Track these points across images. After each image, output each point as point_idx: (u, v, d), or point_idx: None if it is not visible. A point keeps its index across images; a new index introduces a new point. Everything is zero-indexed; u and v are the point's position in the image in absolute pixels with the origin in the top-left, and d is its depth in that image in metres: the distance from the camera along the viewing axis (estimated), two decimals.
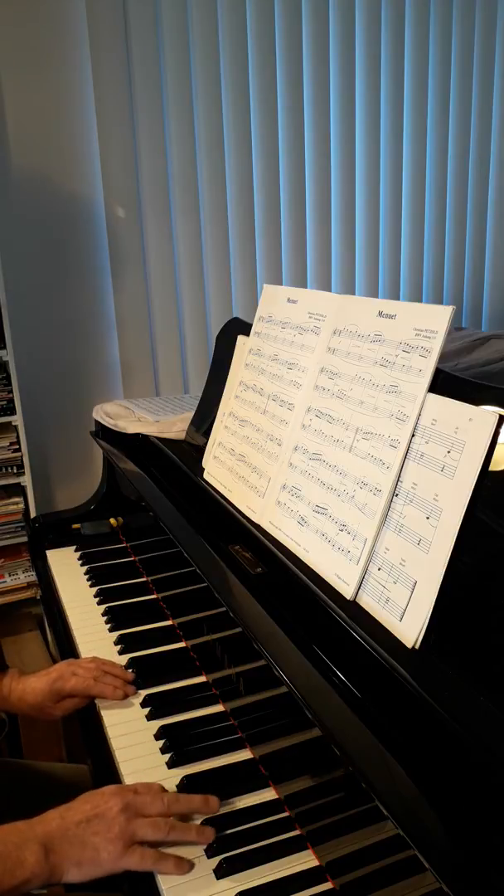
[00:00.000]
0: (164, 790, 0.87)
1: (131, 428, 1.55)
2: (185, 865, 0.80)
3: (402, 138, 2.82)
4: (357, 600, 0.86)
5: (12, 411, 2.20)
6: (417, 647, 0.76)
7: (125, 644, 1.22)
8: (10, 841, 0.77)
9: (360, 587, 0.86)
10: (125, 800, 0.82)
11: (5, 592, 2.28)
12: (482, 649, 0.78)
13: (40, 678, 1.12)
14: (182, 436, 1.46)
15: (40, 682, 1.12)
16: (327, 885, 0.79)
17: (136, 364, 2.55)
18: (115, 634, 1.25)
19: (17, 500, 2.26)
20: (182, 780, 0.92)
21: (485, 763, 0.63)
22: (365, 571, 0.86)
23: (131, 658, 1.17)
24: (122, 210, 2.41)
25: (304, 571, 0.93)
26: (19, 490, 2.27)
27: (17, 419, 2.21)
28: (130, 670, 1.14)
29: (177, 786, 0.92)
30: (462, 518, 0.75)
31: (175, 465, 1.36)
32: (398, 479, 0.85)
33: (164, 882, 0.80)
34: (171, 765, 0.96)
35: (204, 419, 1.39)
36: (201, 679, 1.13)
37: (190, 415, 1.47)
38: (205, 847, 0.83)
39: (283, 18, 2.49)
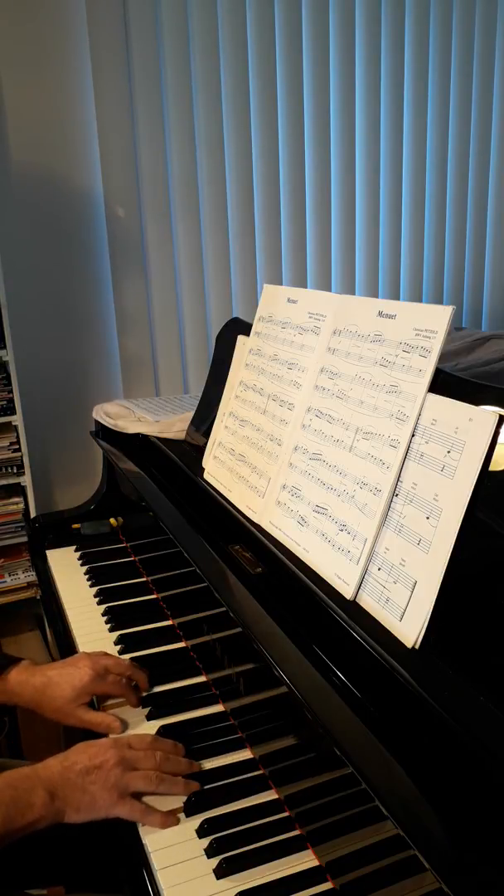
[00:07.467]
0: (156, 742, 0.93)
1: (131, 428, 1.55)
2: (173, 819, 0.86)
3: (402, 138, 2.82)
4: (357, 600, 0.86)
5: (12, 411, 2.20)
6: (417, 646, 0.76)
7: (125, 644, 1.22)
8: (21, 786, 0.84)
9: (360, 587, 0.86)
10: (120, 754, 0.89)
11: (5, 592, 2.28)
12: (482, 649, 0.78)
13: (71, 668, 1.04)
14: (182, 436, 1.46)
15: (75, 676, 1.02)
16: (327, 885, 0.79)
17: (136, 364, 2.55)
18: (115, 634, 1.25)
19: (17, 500, 2.26)
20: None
21: (485, 763, 0.63)
22: (365, 571, 0.86)
23: (131, 658, 1.17)
24: (122, 210, 2.41)
25: (304, 571, 0.93)
26: (19, 490, 2.27)
27: (17, 419, 2.21)
28: None
29: None
30: (462, 518, 0.75)
31: (175, 465, 1.36)
32: (398, 479, 0.85)
33: (165, 882, 0.80)
34: None
35: (204, 419, 1.39)
36: (201, 679, 1.13)
37: (190, 415, 1.47)
38: (205, 847, 0.83)
39: (283, 18, 2.49)
